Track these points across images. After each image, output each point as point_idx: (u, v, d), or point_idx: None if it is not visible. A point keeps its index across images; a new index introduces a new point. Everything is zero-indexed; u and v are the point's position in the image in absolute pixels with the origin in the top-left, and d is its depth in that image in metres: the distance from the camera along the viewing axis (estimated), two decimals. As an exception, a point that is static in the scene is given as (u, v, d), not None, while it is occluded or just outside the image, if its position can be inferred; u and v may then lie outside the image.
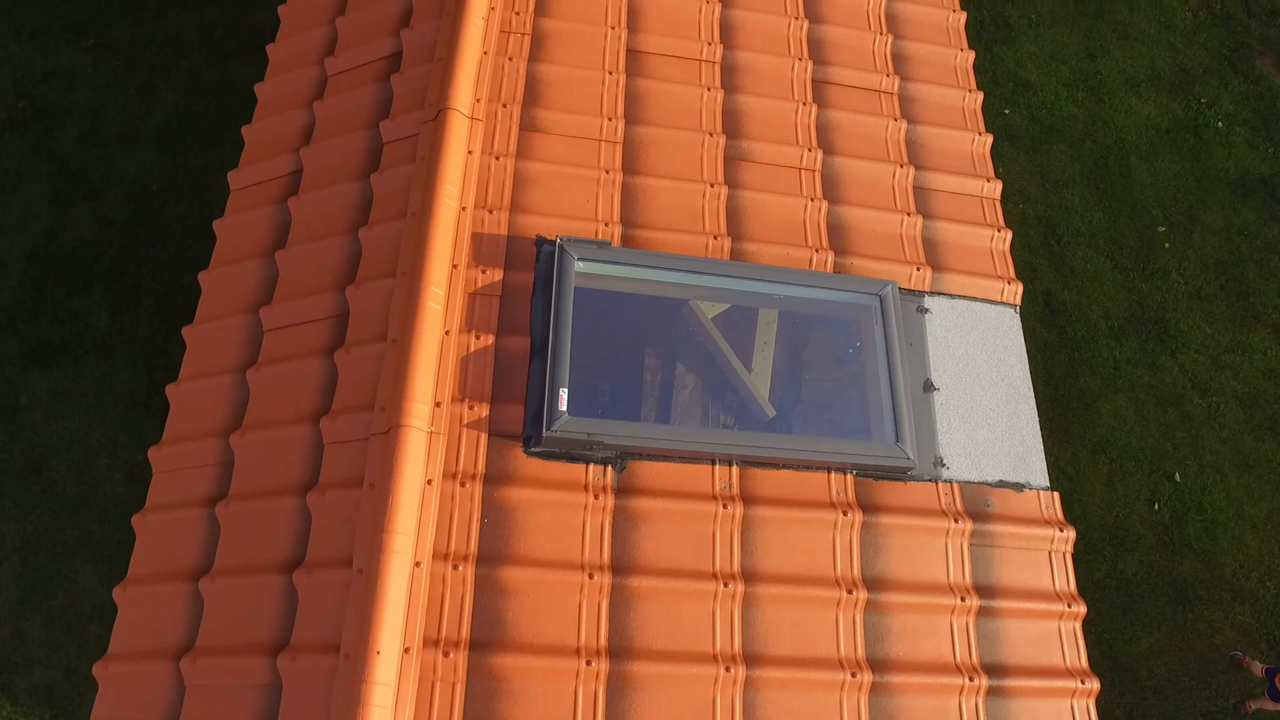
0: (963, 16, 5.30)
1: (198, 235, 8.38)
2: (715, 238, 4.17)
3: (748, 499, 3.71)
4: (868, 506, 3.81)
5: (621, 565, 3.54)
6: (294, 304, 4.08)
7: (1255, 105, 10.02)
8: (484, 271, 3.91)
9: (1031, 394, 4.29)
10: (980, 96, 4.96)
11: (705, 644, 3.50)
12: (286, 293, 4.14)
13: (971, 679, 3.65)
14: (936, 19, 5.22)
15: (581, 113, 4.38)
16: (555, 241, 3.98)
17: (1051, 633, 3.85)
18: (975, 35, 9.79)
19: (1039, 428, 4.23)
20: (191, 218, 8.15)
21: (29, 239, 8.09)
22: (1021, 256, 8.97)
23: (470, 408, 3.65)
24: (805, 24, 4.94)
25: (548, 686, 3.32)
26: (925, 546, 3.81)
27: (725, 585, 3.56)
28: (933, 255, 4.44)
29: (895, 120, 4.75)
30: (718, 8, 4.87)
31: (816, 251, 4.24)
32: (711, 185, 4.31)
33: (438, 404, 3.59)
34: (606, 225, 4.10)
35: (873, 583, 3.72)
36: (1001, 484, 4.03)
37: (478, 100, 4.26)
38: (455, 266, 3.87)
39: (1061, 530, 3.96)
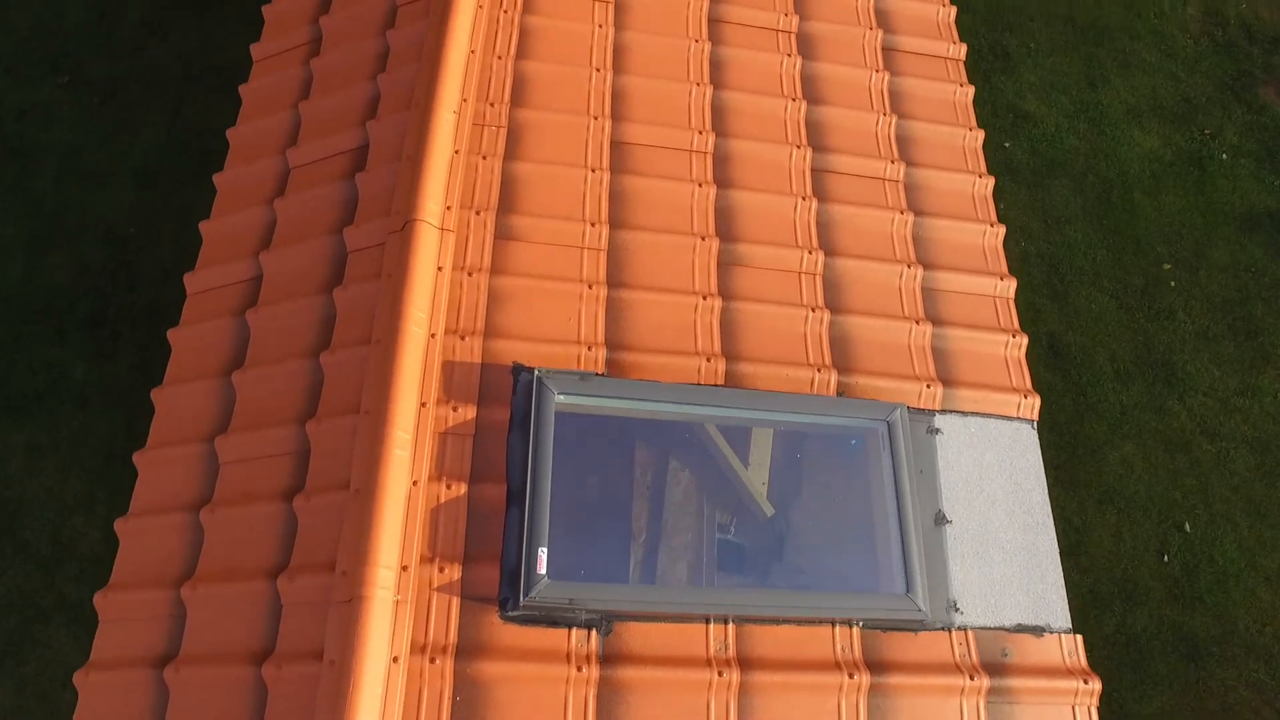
0: (970, 90, 4.97)
1: (177, 280, 8.01)
2: (709, 360, 3.83)
3: (745, 663, 3.39)
4: (876, 665, 3.49)
5: (607, 747, 3.22)
6: (252, 435, 3.75)
7: (1260, 136, 9.72)
8: (455, 409, 3.57)
9: (1051, 521, 3.98)
10: (991, 181, 4.63)
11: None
12: (243, 423, 3.80)
13: None
14: (942, 94, 4.88)
15: (562, 217, 4.03)
16: (533, 372, 3.64)
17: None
18: (973, 65, 9.45)
19: (1059, 559, 3.92)
20: (170, 261, 7.83)
21: (3, 285, 7.80)
22: (1024, 297, 8.66)
23: (441, 570, 3.32)
24: (804, 105, 4.60)
25: None
26: (938, 709, 3.50)
27: (721, 766, 3.25)
28: (944, 367, 4.11)
29: (901, 214, 4.41)
30: (709, 90, 4.52)
31: (819, 370, 3.90)
32: (704, 298, 3.97)
33: (404, 567, 3.26)
34: (590, 349, 3.76)
35: (882, 753, 3.41)
36: (1020, 628, 3.72)
37: (448, 208, 3.91)
38: (424, 404, 3.53)
39: (1086, 682, 3.65)
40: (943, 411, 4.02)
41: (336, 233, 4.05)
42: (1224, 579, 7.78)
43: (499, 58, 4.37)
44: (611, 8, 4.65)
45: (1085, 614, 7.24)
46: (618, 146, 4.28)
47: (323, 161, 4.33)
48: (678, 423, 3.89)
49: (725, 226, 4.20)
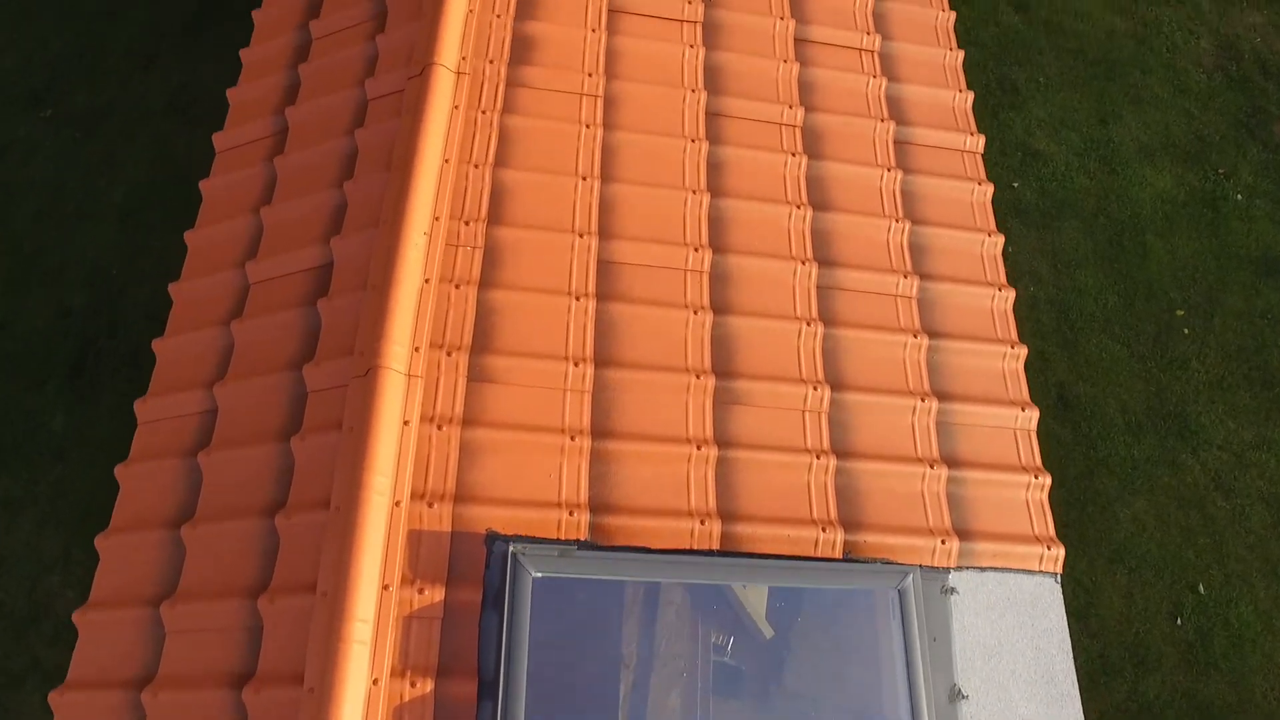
0: (989, 189, 4.59)
1: (159, 324, 7.70)
2: (702, 521, 3.47)
3: None
4: None
5: None
6: (200, 605, 3.40)
7: (1275, 176, 9.34)
8: (421, 590, 3.21)
9: (1076, 690, 3.64)
10: (1012, 294, 4.26)
11: None
12: (190, 590, 3.46)
13: None
14: (961, 194, 4.50)
15: (542, 355, 3.66)
16: (509, 544, 3.29)
17: None
18: (981, 101, 9.07)
19: (1085, 734, 3.60)
20: (153, 305, 7.44)
21: (-21, 329, 7.51)
22: (1034, 345, 8.33)
23: (403, 784, 2.98)
24: (809, 213, 4.22)
25: None
26: None
27: None
28: (960, 517, 3.75)
29: (915, 337, 4.04)
30: (705, 198, 4.13)
31: (823, 530, 3.55)
32: (698, 446, 3.61)
33: (363, 785, 2.93)
34: (571, 513, 3.39)
35: None
36: (1043, 822, 3.40)
37: (416, 349, 3.54)
38: (386, 587, 3.17)
39: None
40: (959, 568, 3.67)
41: (296, 368, 3.68)
42: (1240, 643, 7.48)
43: (475, 166, 3.99)
44: (600, 104, 4.26)
45: (1095, 681, 6.97)
46: (605, 266, 3.90)
47: (282, 279, 3.96)
48: (670, 586, 3.54)
49: (722, 358, 3.83)
